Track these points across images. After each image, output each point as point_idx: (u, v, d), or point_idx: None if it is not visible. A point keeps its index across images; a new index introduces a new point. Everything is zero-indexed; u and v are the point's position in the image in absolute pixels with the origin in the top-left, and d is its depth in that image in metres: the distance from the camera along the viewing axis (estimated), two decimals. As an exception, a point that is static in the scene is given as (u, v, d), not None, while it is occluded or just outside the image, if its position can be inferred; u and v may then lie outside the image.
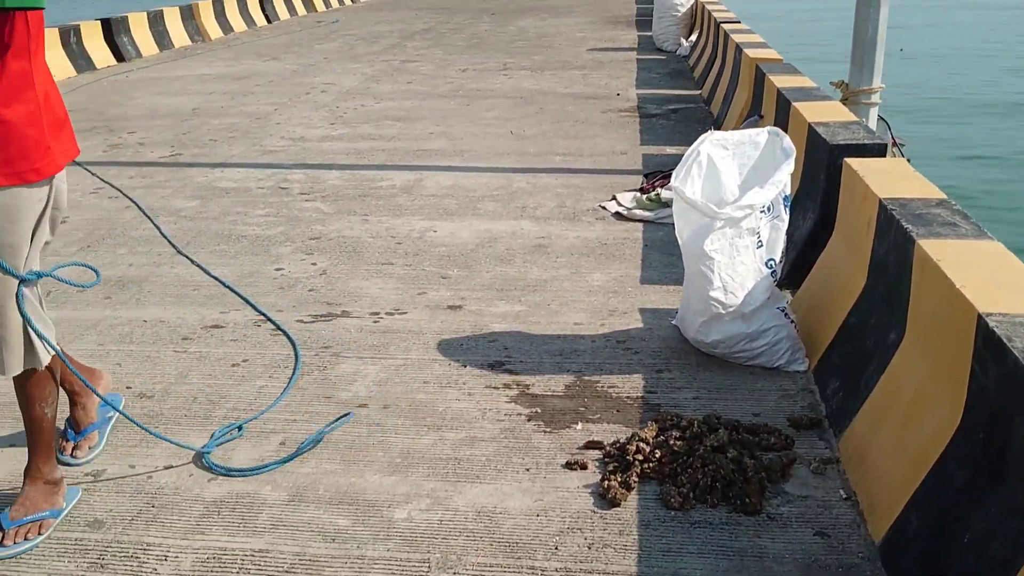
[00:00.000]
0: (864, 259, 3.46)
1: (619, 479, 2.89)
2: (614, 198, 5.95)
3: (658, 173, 6.24)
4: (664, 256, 4.95)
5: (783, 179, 3.58)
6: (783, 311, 3.68)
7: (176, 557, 2.64)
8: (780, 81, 5.90)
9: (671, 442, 3.04)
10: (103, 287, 4.66)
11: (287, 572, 2.57)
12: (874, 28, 7.48)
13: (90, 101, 9.95)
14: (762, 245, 3.62)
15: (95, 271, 2.90)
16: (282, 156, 7.38)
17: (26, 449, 2.82)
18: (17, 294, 2.56)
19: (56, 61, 11.54)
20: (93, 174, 6.80)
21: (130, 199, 6.18)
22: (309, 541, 2.70)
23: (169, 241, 5.33)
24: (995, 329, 2.26)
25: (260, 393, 3.59)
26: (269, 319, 4.25)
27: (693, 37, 12.49)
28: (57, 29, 11.87)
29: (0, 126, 2.45)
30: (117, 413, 3.22)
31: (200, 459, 3.12)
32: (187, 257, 5.08)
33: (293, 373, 3.73)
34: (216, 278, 4.75)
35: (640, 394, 3.51)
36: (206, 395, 3.58)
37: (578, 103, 9.30)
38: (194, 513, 2.85)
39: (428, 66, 12.10)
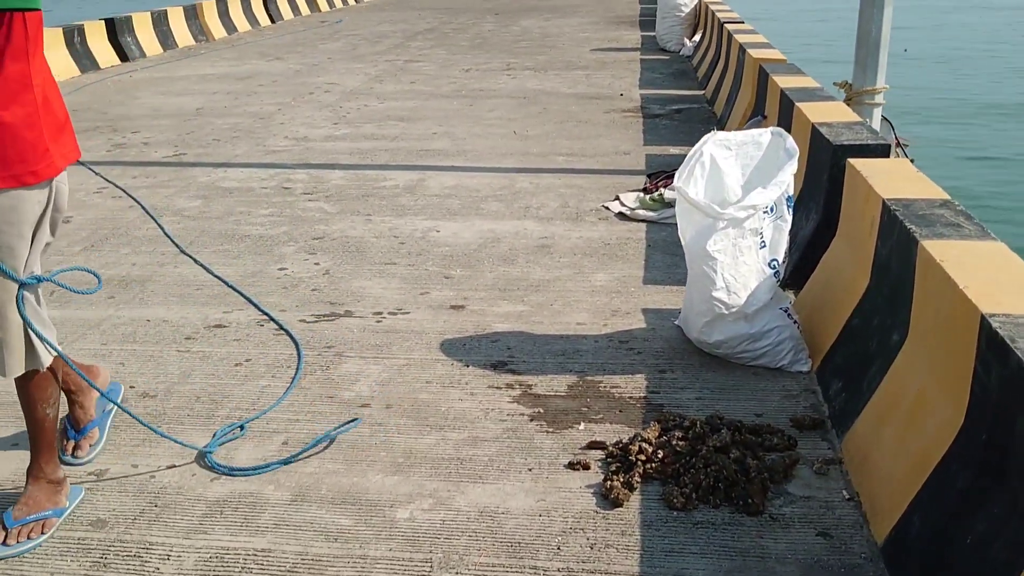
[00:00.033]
0: (867, 260, 3.46)
1: (622, 479, 2.89)
2: (617, 198, 5.94)
3: (661, 173, 6.24)
4: (667, 256, 4.94)
5: (786, 179, 3.58)
6: (786, 312, 3.68)
7: (179, 556, 2.65)
8: (783, 81, 5.90)
9: (674, 442, 3.04)
10: (106, 287, 4.66)
11: (289, 572, 2.57)
12: (878, 29, 7.47)
13: (94, 101, 9.97)
14: (765, 245, 3.61)
15: (96, 276, 2.89)
16: (285, 156, 7.38)
17: (29, 449, 2.83)
18: (17, 297, 2.56)
19: (60, 61, 11.57)
20: (97, 173, 6.81)
21: (134, 199, 6.18)
22: (311, 541, 2.70)
23: (172, 241, 5.34)
24: (998, 330, 2.25)
25: (263, 393, 3.59)
26: (272, 319, 4.26)
27: (697, 37, 12.48)
28: (61, 29, 11.90)
29: None
30: (115, 406, 3.21)
31: (203, 458, 3.12)
32: (190, 257, 5.09)
33: (296, 373, 3.73)
34: (219, 278, 4.76)
35: (643, 394, 3.51)
36: (209, 395, 3.58)
37: (581, 103, 9.30)
38: (197, 512, 2.85)
39: (431, 66, 12.11)
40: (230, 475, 3.04)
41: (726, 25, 9.55)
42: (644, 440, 3.08)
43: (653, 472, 2.95)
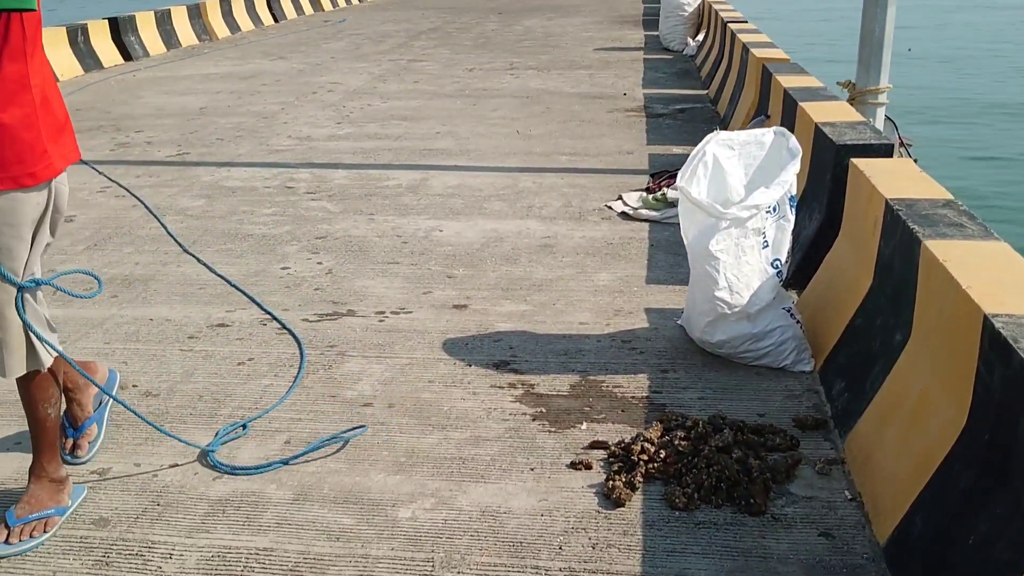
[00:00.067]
0: (870, 260, 3.46)
1: (624, 479, 2.89)
2: (620, 198, 5.94)
3: (664, 173, 6.24)
4: (670, 256, 4.94)
5: (789, 179, 3.57)
6: (789, 311, 3.68)
7: (181, 555, 2.65)
8: (787, 81, 5.89)
9: (676, 442, 3.04)
10: (110, 286, 4.67)
11: (291, 571, 2.57)
12: (881, 28, 7.46)
13: (97, 100, 9.98)
14: (768, 245, 3.61)
15: (97, 279, 2.89)
16: (288, 155, 7.39)
17: (31, 448, 2.83)
18: (17, 299, 2.55)
19: (64, 60, 11.59)
20: (100, 173, 6.82)
21: (137, 198, 6.19)
22: (313, 540, 2.70)
23: (175, 240, 5.35)
24: (1001, 330, 2.25)
25: (265, 392, 3.59)
26: (275, 318, 4.26)
27: (700, 37, 12.48)
28: (64, 28, 11.91)
29: None
30: (110, 398, 3.21)
31: (205, 457, 3.13)
32: (193, 256, 5.09)
33: (298, 372, 3.73)
34: (222, 277, 4.76)
35: (645, 394, 3.51)
36: (211, 393, 3.59)
37: (584, 103, 9.29)
38: (199, 511, 2.85)
39: (435, 65, 12.11)
40: (232, 474, 3.04)
41: (729, 24, 9.54)
42: (646, 440, 3.08)
43: (655, 472, 2.95)
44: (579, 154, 7.24)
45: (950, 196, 3.35)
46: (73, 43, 11.98)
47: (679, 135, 7.73)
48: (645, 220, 5.58)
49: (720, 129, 4.47)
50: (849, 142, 4.25)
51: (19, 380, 2.70)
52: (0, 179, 2.45)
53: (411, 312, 4.31)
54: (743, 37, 8.47)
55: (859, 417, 3.05)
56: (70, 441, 3.13)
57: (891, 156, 4.23)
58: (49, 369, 2.71)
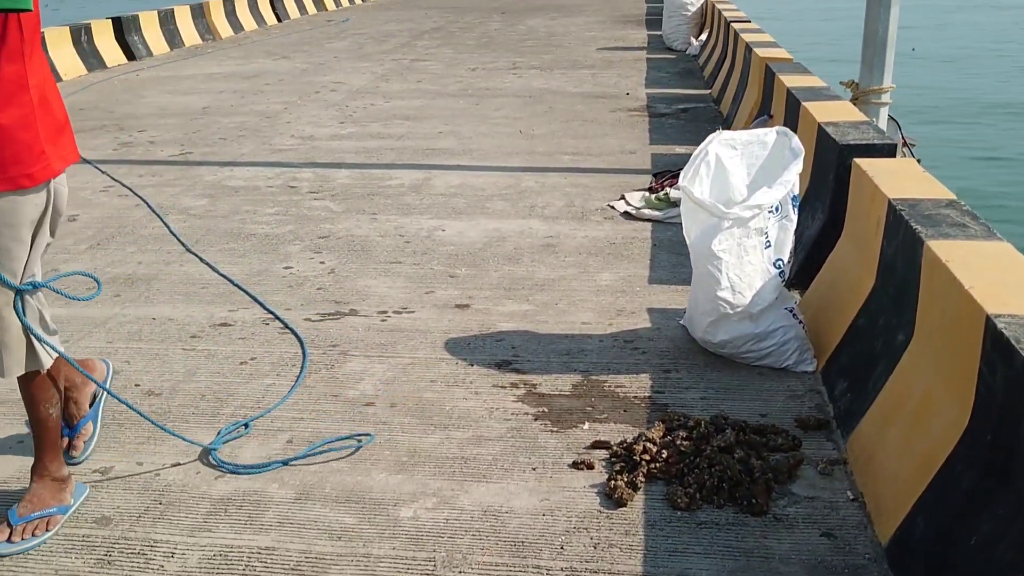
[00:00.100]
0: (873, 260, 3.45)
1: (626, 479, 2.89)
2: (623, 197, 5.94)
3: (667, 172, 6.23)
4: (673, 256, 4.94)
5: (791, 179, 3.57)
6: (791, 311, 3.68)
7: (183, 554, 2.65)
8: (790, 81, 5.89)
9: (678, 442, 3.04)
10: (112, 285, 4.68)
11: (293, 570, 2.58)
12: (884, 28, 7.46)
13: (101, 99, 9.99)
14: (770, 245, 3.61)
15: (96, 280, 2.88)
16: (291, 155, 7.39)
17: (33, 447, 2.84)
18: (15, 301, 2.55)
19: (67, 59, 11.60)
20: (103, 172, 6.83)
21: (140, 197, 6.20)
22: (315, 539, 2.70)
23: (178, 239, 5.35)
24: (1003, 331, 2.25)
25: (268, 391, 3.60)
26: (277, 317, 4.26)
27: (703, 36, 12.47)
28: (68, 27, 11.93)
29: None
30: (104, 393, 3.20)
31: (207, 456, 3.13)
32: (196, 255, 5.10)
33: (301, 371, 3.74)
34: (225, 276, 4.76)
35: (647, 394, 3.51)
36: (214, 393, 3.59)
37: (587, 102, 9.29)
38: (201, 510, 2.85)
39: (438, 65, 12.11)
40: (235, 473, 3.04)
41: (732, 24, 9.54)
42: (648, 440, 3.07)
43: (657, 472, 2.95)
44: (582, 154, 7.24)
45: (953, 196, 3.35)
46: (77, 43, 11.99)
47: (682, 135, 7.73)
48: (648, 220, 5.58)
49: (723, 129, 4.47)
50: (852, 142, 4.25)
51: (20, 380, 2.70)
52: None
53: (413, 312, 4.31)
54: (746, 37, 8.47)
55: (861, 417, 3.05)
56: (65, 440, 3.12)
57: (894, 156, 4.22)
58: (50, 369, 2.71)
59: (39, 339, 2.63)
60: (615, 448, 3.10)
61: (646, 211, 5.63)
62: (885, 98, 7.68)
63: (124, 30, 13.01)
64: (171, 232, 5.46)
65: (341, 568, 2.58)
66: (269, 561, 2.61)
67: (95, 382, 3.01)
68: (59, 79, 11.10)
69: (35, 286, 2.60)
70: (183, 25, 14.55)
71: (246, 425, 3.32)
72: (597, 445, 3.15)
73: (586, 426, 3.28)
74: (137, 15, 13.43)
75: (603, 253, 5.03)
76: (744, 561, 2.57)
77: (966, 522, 2.27)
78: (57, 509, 2.78)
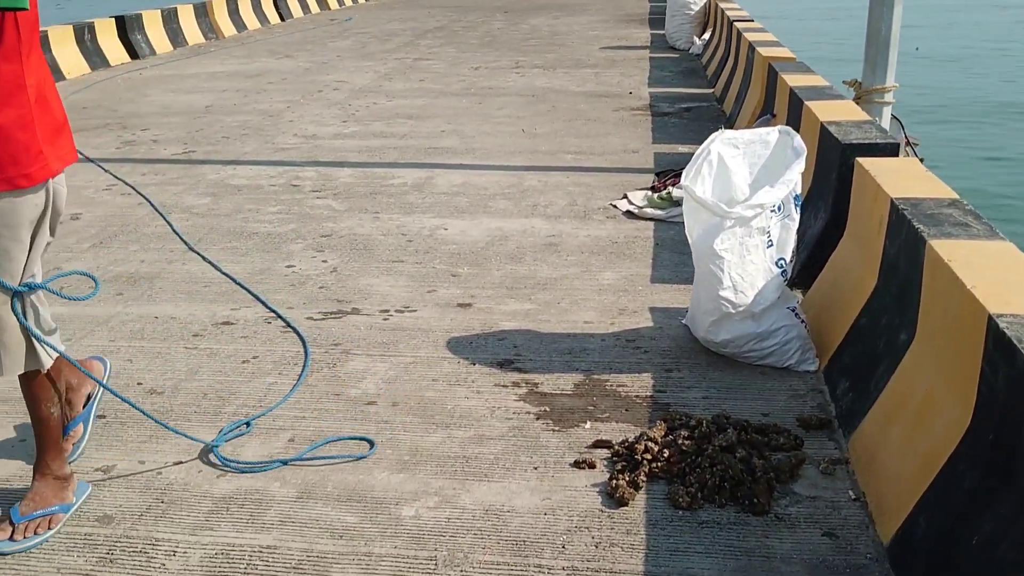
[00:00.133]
0: (875, 259, 3.45)
1: (627, 478, 2.89)
2: (625, 196, 5.94)
3: (670, 172, 6.23)
4: (675, 255, 4.94)
5: (794, 178, 3.57)
6: (793, 311, 3.67)
7: (185, 553, 2.65)
8: (792, 80, 5.88)
9: (680, 441, 3.04)
10: (115, 283, 4.68)
11: (294, 569, 2.58)
12: (888, 27, 7.45)
13: (104, 98, 10.00)
14: (772, 244, 3.60)
15: (94, 279, 2.88)
16: (294, 154, 7.40)
17: (35, 445, 2.84)
18: (13, 302, 2.55)
19: (70, 58, 11.61)
20: (106, 171, 6.83)
21: (143, 196, 6.20)
22: (317, 538, 2.70)
23: (181, 238, 5.36)
24: (1005, 330, 2.24)
25: (270, 390, 3.60)
26: (279, 316, 4.27)
27: (706, 35, 12.47)
28: (71, 26, 11.94)
29: None
30: (98, 395, 3.19)
31: (209, 455, 3.13)
32: (199, 254, 5.10)
33: (302, 370, 3.74)
34: (227, 275, 4.77)
35: (649, 393, 3.50)
36: (216, 391, 3.59)
37: (590, 101, 9.29)
38: (203, 509, 2.86)
39: (440, 64, 12.11)
40: (237, 471, 3.04)
41: (735, 23, 9.53)
42: (650, 439, 3.07)
43: (659, 471, 2.95)
44: (584, 153, 7.24)
45: (955, 196, 3.34)
46: (80, 41, 12.00)
47: (685, 134, 7.72)
48: (650, 219, 5.57)
49: (726, 128, 4.46)
50: (855, 141, 4.24)
51: (21, 379, 2.70)
52: None
53: (415, 310, 4.32)
54: (749, 36, 8.46)
55: (863, 417, 3.04)
56: None
57: (897, 155, 4.22)
58: (50, 369, 2.71)
59: (39, 339, 2.63)
60: (617, 447, 3.09)
61: (648, 210, 5.63)
62: (888, 97, 7.67)
63: (127, 29, 13.02)
64: (174, 231, 5.47)
65: (343, 567, 2.58)
66: (271, 560, 2.62)
67: (97, 381, 3.01)
68: (62, 78, 11.12)
69: (32, 287, 2.59)
70: (186, 24, 14.56)
71: (248, 424, 3.32)
72: (599, 444, 3.15)
73: (588, 425, 3.28)
74: (140, 14, 13.44)
75: (605, 252, 5.03)
76: (745, 560, 2.57)
77: (968, 522, 2.26)
78: (59, 507, 2.78)
